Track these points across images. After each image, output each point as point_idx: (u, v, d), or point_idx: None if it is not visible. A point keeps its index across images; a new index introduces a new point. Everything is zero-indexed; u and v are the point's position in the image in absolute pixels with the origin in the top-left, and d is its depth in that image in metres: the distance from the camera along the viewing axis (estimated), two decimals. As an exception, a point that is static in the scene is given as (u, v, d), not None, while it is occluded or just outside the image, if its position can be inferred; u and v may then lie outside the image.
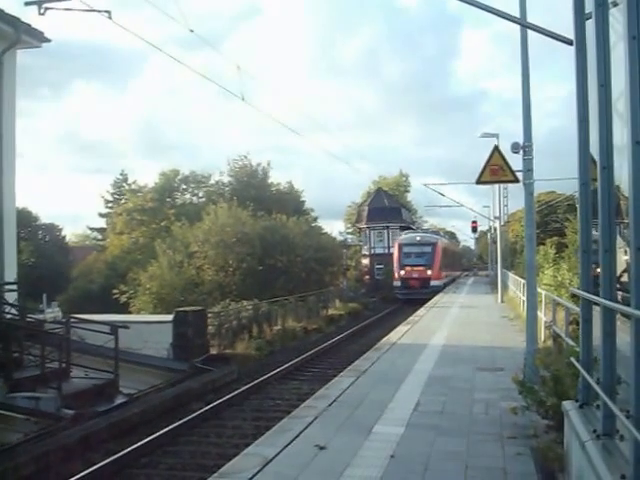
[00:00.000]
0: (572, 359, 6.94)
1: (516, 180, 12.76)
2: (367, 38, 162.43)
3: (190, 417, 13.96)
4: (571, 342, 10.25)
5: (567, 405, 6.65)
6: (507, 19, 9.66)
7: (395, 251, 53.14)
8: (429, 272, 49.72)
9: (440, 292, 44.75)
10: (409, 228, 69.18)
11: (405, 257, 51.00)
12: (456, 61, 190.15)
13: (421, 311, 29.24)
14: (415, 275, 49.66)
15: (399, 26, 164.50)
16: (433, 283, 48.95)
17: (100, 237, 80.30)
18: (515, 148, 11.92)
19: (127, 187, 74.47)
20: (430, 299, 37.25)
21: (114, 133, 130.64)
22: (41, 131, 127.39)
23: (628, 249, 4.48)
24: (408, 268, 49.98)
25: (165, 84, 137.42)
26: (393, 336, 19.49)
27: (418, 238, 53.00)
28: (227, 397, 15.97)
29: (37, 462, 10.65)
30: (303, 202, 68.33)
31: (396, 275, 51.11)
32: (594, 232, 6.00)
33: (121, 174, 76.18)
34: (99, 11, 14.69)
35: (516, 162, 12.48)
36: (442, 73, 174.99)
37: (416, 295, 45.12)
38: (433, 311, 29.41)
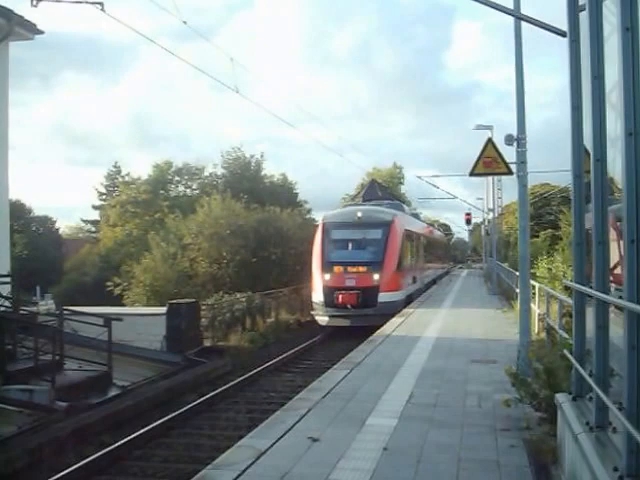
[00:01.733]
0: (565, 351, 6.96)
1: (510, 172, 12.77)
2: (360, 30, 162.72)
3: (184, 409, 13.97)
4: (564, 334, 10.27)
5: (560, 397, 6.66)
6: (501, 11, 9.66)
7: (317, 238, 29.45)
8: (376, 277, 27.19)
9: (397, 313, 24.93)
10: None
11: (334, 249, 28.61)
12: (449, 53, 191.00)
13: (414, 303, 29.18)
14: (350, 282, 27.04)
15: (392, 17, 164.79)
16: (384, 298, 26.84)
17: (93, 229, 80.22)
18: (509, 140, 11.91)
19: (120, 179, 74.25)
20: (380, 326, 20.39)
21: (106, 125, 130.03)
22: (33, 123, 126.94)
23: (621, 242, 4.48)
24: (338, 269, 27.59)
25: (158, 76, 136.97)
26: (387, 328, 19.49)
27: (359, 214, 29.33)
28: (221, 389, 15.98)
29: (31, 455, 10.65)
30: (297, 194, 68.18)
31: (316, 282, 28.10)
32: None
33: (114, 166, 76.00)
34: (92, 2, 14.60)
35: (510, 154, 12.48)
36: (435, 65, 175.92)
37: (351, 321, 26.23)
38: (427, 303, 29.41)
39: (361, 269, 27.47)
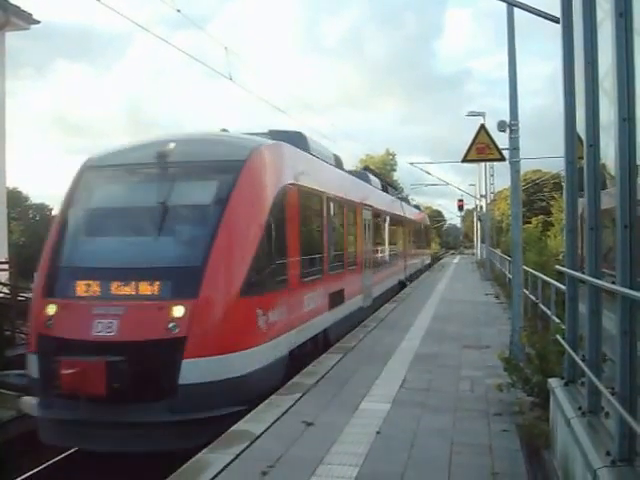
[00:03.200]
0: (558, 337, 6.99)
1: (502, 158, 12.74)
2: (351, 17, 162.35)
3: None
4: (557, 320, 10.31)
5: (553, 382, 6.70)
6: (495, -4, 9.63)
7: (56, 218, 10.29)
8: (178, 312, 8.23)
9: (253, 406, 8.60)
10: None
11: (82, 233, 9.82)
12: (440, 40, 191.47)
13: (407, 290, 29.02)
14: (105, 328, 8.16)
15: (382, 5, 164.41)
16: (198, 371, 8.11)
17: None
18: (501, 126, 11.90)
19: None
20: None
21: (102, 113, 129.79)
22: (28, 111, 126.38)
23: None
24: (82, 288, 8.80)
25: (151, 65, 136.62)
26: (381, 313, 19.49)
27: (169, 147, 9.80)
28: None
29: (30, 439, 10.69)
30: (290, 181, 67.92)
31: (31, 322, 9.22)
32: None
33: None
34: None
35: (502, 140, 12.47)
36: (426, 52, 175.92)
37: (102, 442, 8.04)
38: (418, 291, 29.36)
39: (144, 288, 8.83)
